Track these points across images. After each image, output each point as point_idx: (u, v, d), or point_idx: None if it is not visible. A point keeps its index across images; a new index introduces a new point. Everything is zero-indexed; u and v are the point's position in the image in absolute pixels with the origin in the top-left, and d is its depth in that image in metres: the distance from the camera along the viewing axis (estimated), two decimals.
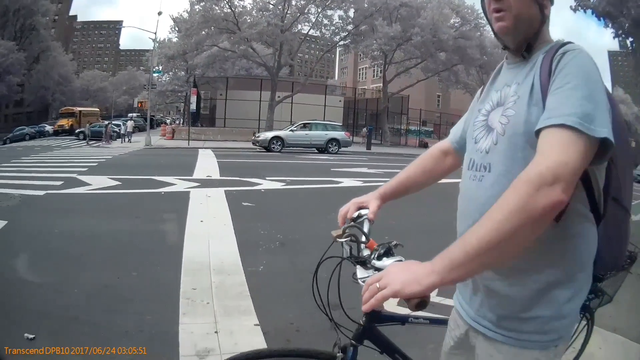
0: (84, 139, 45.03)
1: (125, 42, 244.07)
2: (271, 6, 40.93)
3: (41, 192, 11.51)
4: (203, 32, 40.61)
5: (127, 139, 41.56)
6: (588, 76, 1.40)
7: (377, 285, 1.37)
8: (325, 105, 47.02)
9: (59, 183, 13.12)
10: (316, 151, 31.52)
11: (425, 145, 49.12)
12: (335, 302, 1.86)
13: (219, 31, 40.21)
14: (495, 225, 1.28)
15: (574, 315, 1.56)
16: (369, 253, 1.76)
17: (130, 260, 6.54)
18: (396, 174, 2.16)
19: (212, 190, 12.28)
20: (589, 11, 32.00)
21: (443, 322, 1.92)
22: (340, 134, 32.50)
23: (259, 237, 7.85)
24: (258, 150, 30.58)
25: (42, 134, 53.25)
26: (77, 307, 4.78)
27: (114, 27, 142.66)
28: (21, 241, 7.34)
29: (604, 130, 1.32)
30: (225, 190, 12.07)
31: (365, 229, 1.90)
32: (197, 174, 15.98)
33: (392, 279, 1.36)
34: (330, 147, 31.52)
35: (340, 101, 53.73)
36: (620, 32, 35.16)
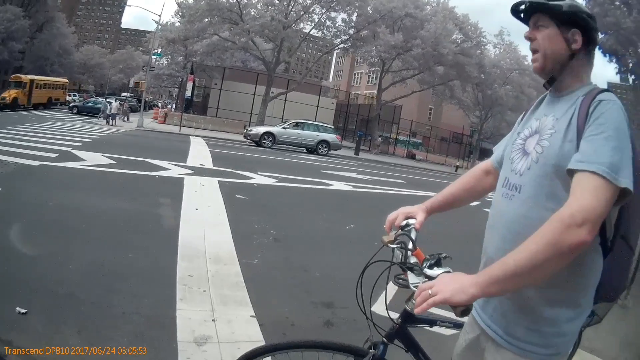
0: (78, 113, 43.38)
1: (129, 21, 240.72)
2: (277, 2, 40.82)
3: (36, 163, 11.43)
4: (206, 20, 40.29)
5: (111, 121, 35.78)
6: (619, 129, 1.59)
7: (430, 292, 1.56)
8: (318, 106, 46.94)
9: (53, 155, 13.03)
10: (305, 151, 31.57)
11: (413, 157, 49.22)
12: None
13: (222, 20, 39.94)
14: (530, 254, 1.48)
15: (573, 335, 1.74)
16: (417, 260, 1.90)
17: (126, 240, 6.57)
18: (441, 190, 2.30)
19: (205, 179, 12.28)
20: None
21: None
22: (331, 137, 32.50)
23: (253, 230, 7.91)
24: (248, 143, 30.55)
25: (35, 105, 52.16)
26: (72, 283, 4.76)
27: (118, 5, 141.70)
28: (15, 211, 7.29)
29: (626, 180, 1.52)
30: (218, 181, 12.10)
31: (413, 237, 2.03)
32: (190, 162, 15.97)
33: (443, 287, 1.55)
34: (320, 149, 31.55)
35: (332, 103, 53.64)
36: (624, 69, 36.09)
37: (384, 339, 2.01)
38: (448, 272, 1.73)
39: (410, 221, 2.13)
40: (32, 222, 6.80)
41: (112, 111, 36.43)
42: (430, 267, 1.82)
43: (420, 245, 1.99)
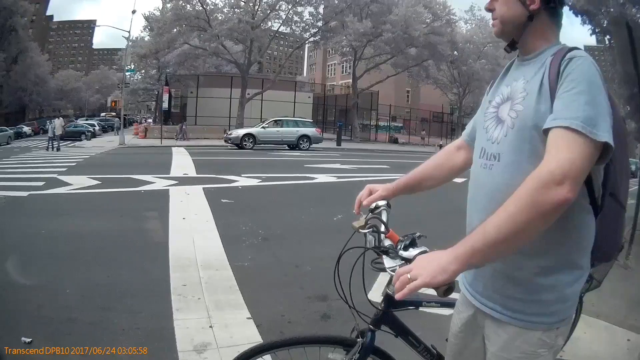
0: (61, 139, 40.51)
1: (102, 40, 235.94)
2: (242, 3, 40.80)
3: (25, 193, 11.38)
4: (175, 30, 40.25)
5: (53, 146, 29.11)
6: (592, 83, 1.50)
7: (409, 276, 1.45)
8: (294, 102, 46.77)
9: (40, 184, 12.96)
10: (287, 148, 31.59)
11: (395, 141, 49.38)
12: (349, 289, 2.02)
13: (191, 29, 39.99)
14: (510, 217, 1.40)
15: (574, 299, 1.67)
16: (391, 243, 1.85)
17: (118, 258, 6.58)
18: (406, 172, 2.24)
19: (190, 187, 12.34)
20: (566, 8, 32.33)
21: (452, 305, 1.99)
22: (311, 131, 32.66)
23: (241, 232, 7.97)
24: (230, 147, 30.46)
25: (19, 135, 51.29)
26: (71, 308, 4.78)
27: (87, 27, 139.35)
28: (9, 243, 7.26)
29: (605, 134, 1.43)
30: (203, 188, 12.14)
31: (384, 219, 1.98)
32: (174, 172, 15.98)
33: (421, 270, 1.45)
34: (301, 144, 31.61)
35: (309, 97, 53.41)
36: (599, 30, 35.67)
37: (370, 326, 1.95)
38: (424, 252, 1.65)
39: (380, 203, 2.08)
40: (27, 253, 6.76)
41: (56, 132, 29.53)
42: (405, 248, 1.75)
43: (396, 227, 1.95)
